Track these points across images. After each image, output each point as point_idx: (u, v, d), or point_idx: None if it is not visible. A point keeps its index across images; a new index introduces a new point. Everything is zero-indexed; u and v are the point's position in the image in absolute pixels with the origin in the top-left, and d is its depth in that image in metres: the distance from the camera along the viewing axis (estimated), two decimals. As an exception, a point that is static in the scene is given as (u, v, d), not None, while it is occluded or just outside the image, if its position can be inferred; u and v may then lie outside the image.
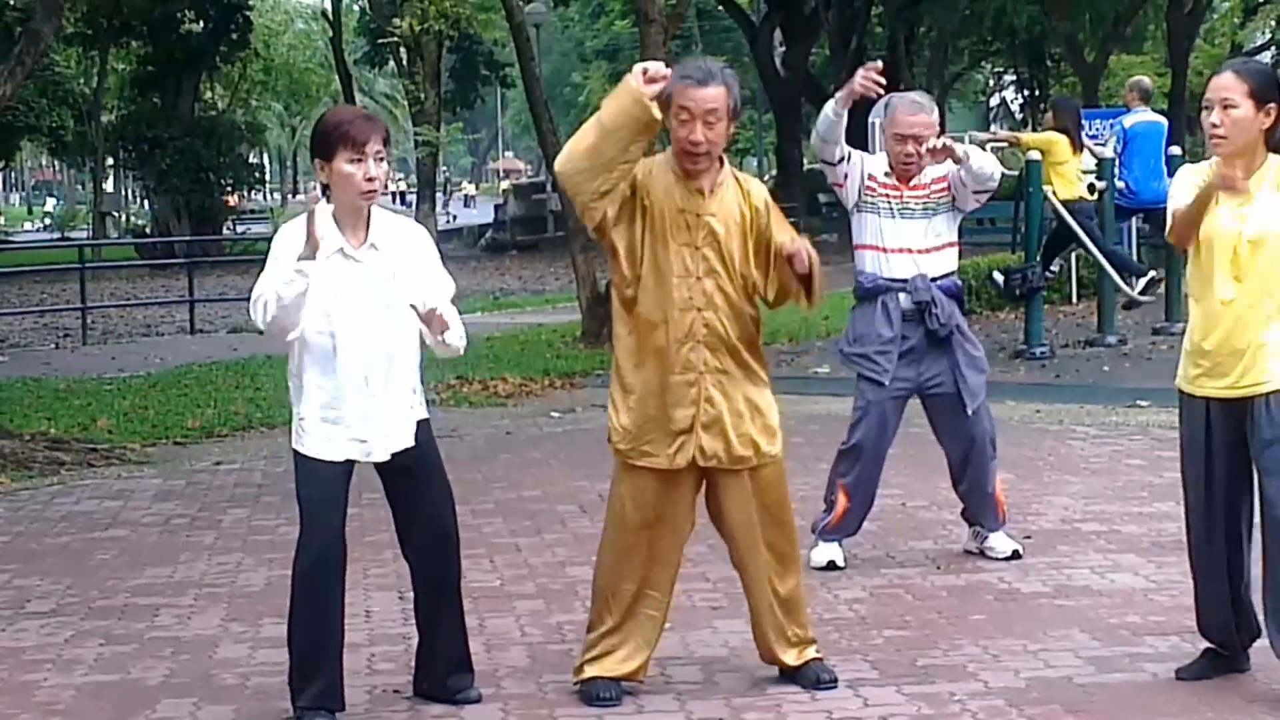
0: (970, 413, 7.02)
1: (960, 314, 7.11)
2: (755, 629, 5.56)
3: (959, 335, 7.03)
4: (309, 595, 5.16)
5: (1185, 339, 5.39)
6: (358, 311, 5.13)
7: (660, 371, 5.32)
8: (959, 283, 7.18)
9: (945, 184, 6.99)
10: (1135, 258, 15.82)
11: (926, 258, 6.99)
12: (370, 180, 5.12)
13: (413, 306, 5.08)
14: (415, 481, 5.29)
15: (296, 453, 5.21)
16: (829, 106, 6.89)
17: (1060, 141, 14.03)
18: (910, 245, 6.98)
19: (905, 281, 6.97)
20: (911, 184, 6.98)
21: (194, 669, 5.93)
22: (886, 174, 7.01)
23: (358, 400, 5.14)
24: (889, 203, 6.99)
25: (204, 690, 5.68)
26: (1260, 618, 5.38)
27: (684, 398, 5.30)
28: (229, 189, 41.50)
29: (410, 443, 5.24)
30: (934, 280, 6.98)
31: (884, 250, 7.00)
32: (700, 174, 5.32)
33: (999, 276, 14.76)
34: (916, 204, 6.99)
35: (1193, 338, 5.32)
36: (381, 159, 5.17)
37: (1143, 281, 14.23)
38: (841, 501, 7.11)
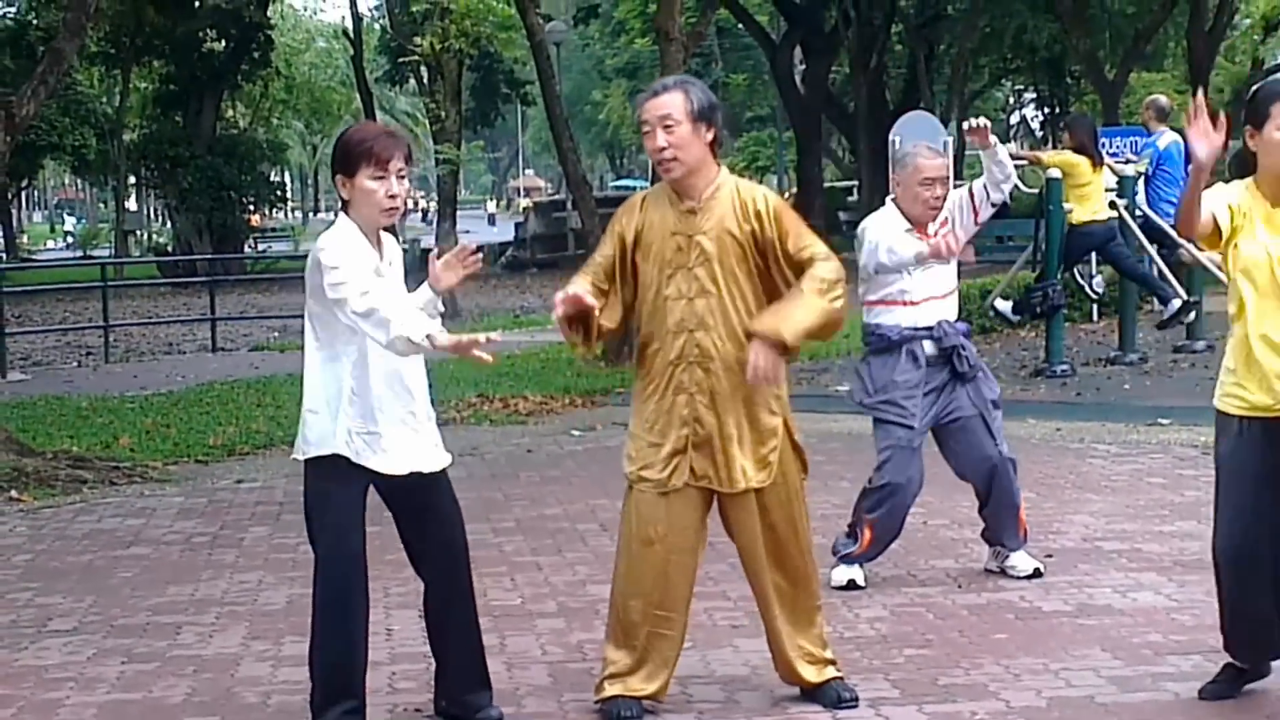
0: (997, 445, 7.04)
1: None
2: (771, 647, 5.56)
3: (981, 374, 7.07)
4: (333, 616, 5.17)
5: (1226, 358, 5.32)
6: None
7: (659, 394, 5.35)
8: (967, 324, 7.26)
9: (948, 228, 6.99)
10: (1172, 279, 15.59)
11: (944, 304, 7.03)
12: (392, 197, 5.13)
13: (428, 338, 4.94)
14: (428, 498, 5.29)
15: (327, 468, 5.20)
16: (913, 254, 6.78)
17: (1081, 163, 13.78)
18: (935, 293, 6.99)
19: (931, 329, 6.97)
20: (929, 232, 6.96)
21: (216, 687, 5.95)
22: (908, 230, 6.95)
23: (394, 416, 5.14)
24: None
25: (226, 709, 5.69)
26: None
27: (675, 419, 5.33)
28: (250, 207, 41.64)
29: (438, 462, 5.25)
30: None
31: (912, 304, 6.97)
32: (685, 189, 5.31)
33: (1002, 305, 14.61)
34: None
35: (1238, 358, 5.25)
36: (403, 176, 5.18)
37: (1175, 305, 14.04)
38: (867, 536, 7.08)
